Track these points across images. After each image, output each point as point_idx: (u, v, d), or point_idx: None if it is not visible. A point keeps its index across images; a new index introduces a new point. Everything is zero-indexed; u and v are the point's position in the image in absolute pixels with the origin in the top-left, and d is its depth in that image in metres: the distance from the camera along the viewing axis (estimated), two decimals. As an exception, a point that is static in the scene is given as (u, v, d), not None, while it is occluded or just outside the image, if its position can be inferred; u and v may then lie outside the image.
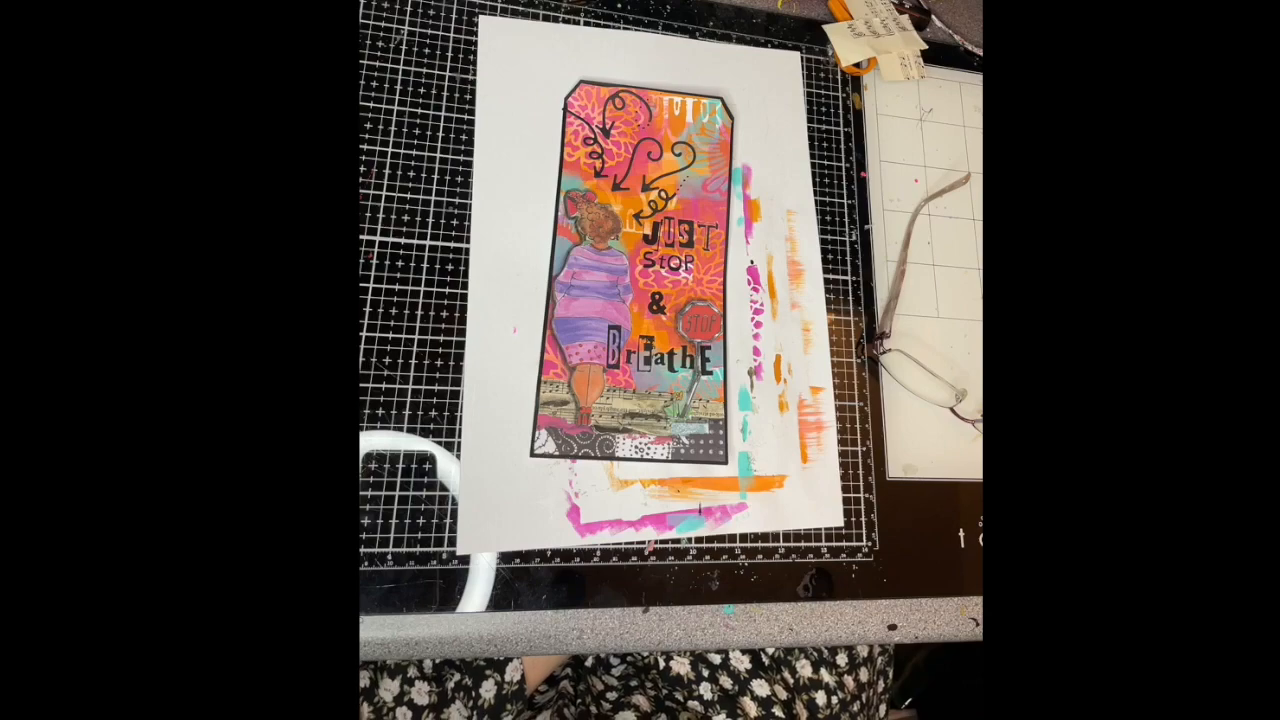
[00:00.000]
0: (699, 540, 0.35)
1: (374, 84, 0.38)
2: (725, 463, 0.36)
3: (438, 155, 0.38)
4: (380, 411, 0.33)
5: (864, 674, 0.45)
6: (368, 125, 0.37)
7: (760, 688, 0.42)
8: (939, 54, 0.46)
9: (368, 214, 0.36)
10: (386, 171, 0.37)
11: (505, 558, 0.33)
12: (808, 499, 0.36)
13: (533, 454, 0.34)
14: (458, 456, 0.33)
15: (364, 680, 0.37)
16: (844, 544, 0.37)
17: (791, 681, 0.43)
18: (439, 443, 0.34)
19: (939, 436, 0.39)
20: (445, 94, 0.38)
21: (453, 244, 0.36)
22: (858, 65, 0.44)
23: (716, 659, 0.43)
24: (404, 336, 0.35)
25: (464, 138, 0.38)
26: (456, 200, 0.37)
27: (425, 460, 0.33)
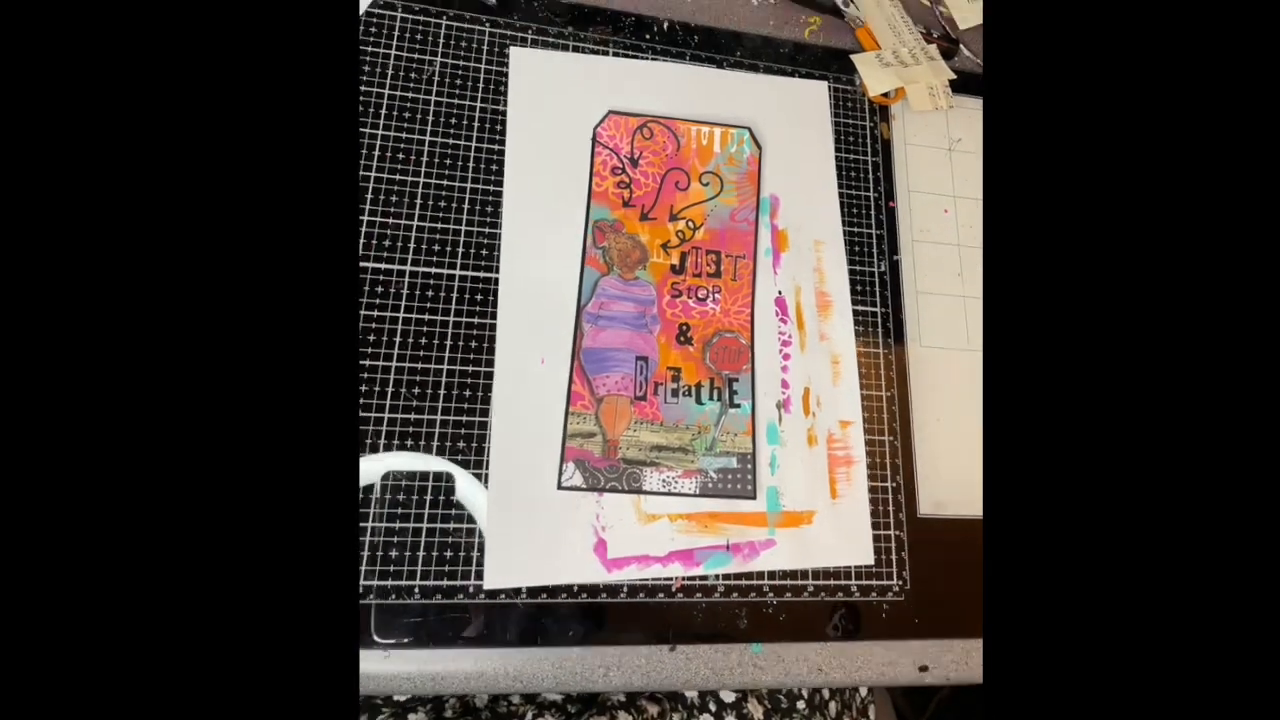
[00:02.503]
0: (727, 577, 0.34)
1: (406, 115, 0.38)
2: (754, 497, 0.35)
3: (468, 185, 0.38)
4: (409, 442, 0.33)
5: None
6: (400, 156, 0.37)
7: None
8: (967, 83, 0.46)
9: (399, 244, 0.36)
10: (418, 202, 0.37)
11: (531, 592, 0.33)
12: (837, 536, 0.36)
13: (560, 486, 0.34)
14: (485, 486, 0.33)
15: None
16: (874, 582, 0.36)
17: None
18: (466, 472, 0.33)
19: (970, 472, 0.39)
20: (476, 124, 0.39)
21: (482, 273, 0.37)
22: (886, 95, 0.44)
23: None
24: (433, 366, 0.35)
25: (494, 168, 0.38)
26: (486, 230, 0.37)
27: (452, 492, 0.33)
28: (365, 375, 0.34)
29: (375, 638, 0.31)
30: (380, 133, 0.38)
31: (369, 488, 0.33)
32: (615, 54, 0.42)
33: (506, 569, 0.32)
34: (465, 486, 0.33)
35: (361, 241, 0.36)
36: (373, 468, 0.33)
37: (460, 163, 0.38)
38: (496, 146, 0.39)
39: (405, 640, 0.31)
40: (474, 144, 0.39)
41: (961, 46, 0.48)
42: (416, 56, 0.39)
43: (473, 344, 0.35)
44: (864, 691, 0.46)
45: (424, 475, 0.33)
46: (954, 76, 0.45)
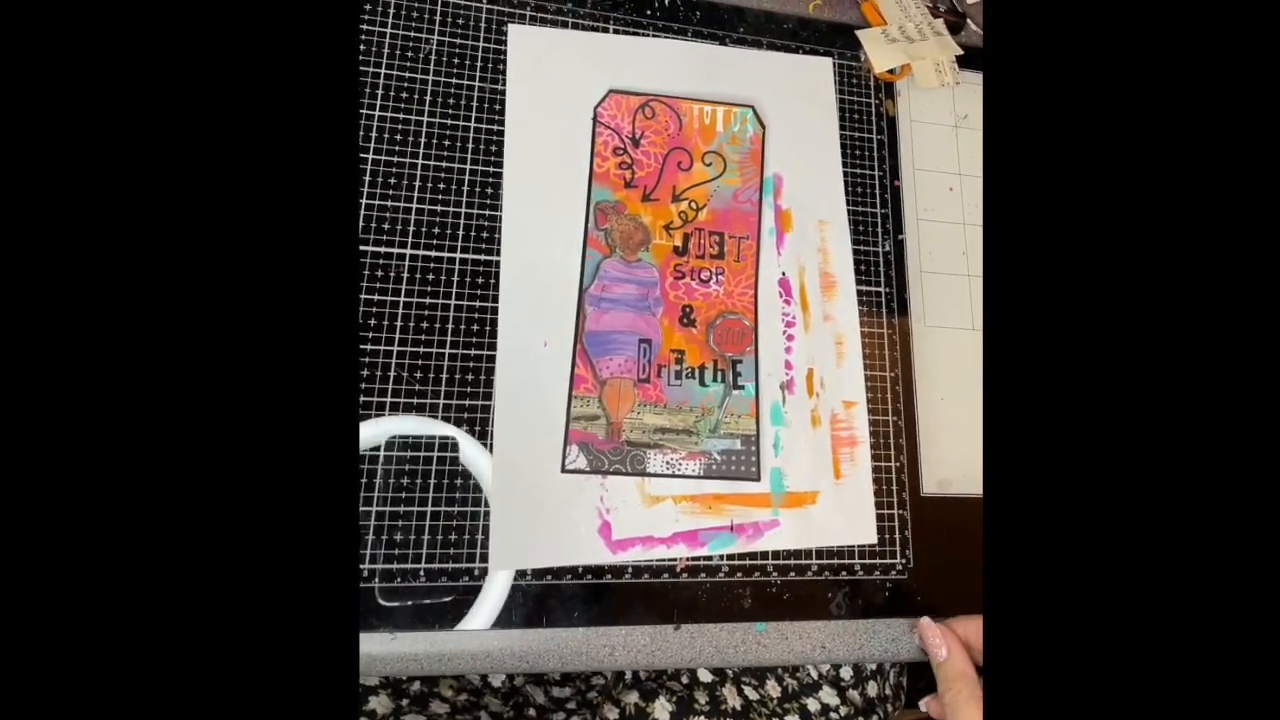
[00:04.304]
0: (731, 557, 0.35)
1: (404, 95, 0.38)
2: (757, 479, 0.35)
3: (467, 167, 0.37)
4: (412, 426, 0.33)
5: (872, 688, 0.43)
6: (397, 137, 0.37)
7: (750, 692, 0.40)
8: (974, 59, 0.45)
9: (399, 227, 0.36)
10: (417, 184, 0.37)
11: (537, 574, 0.33)
12: (840, 515, 0.36)
13: (564, 469, 0.34)
14: (490, 450, 0.33)
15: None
16: (878, 561, 0.36)
17: (779, 692, 0.40)
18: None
19: (974, 452, 0.38)
20: (475, 105, 0.38)
21: (483, 256, 0.36)
22: (891, 71, 0.43)
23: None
24: (435, 350, 0.35)
25: (493, 149, 0.38)
26: (487, 212, 0.37)
27: (457, 476, 0.33)
28: (366, 360, 0.34)
29: (379, 620, 0.31)
30: (377, 113, 0.37)
31: (372, 471, 0.33)
32: (615, 31, 0.41)
33: (511, 552, 0.33)
34: (469, 450, 0.33)
35: (360, 225, 0.36)
36: (373, 431, 0.33)
37: (459, 144, 0.38)
38: (496, 127, 0.38)
39: (411, 622, 0.31)
40: (473, 124, 0.38)
41: (969, 21, 0.47)
42: (413, 35, 0.39)
43: (474, 328, 0.35)
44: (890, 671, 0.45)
45: (429, 444, 0.33)
46: (961, 52, 0.44)
